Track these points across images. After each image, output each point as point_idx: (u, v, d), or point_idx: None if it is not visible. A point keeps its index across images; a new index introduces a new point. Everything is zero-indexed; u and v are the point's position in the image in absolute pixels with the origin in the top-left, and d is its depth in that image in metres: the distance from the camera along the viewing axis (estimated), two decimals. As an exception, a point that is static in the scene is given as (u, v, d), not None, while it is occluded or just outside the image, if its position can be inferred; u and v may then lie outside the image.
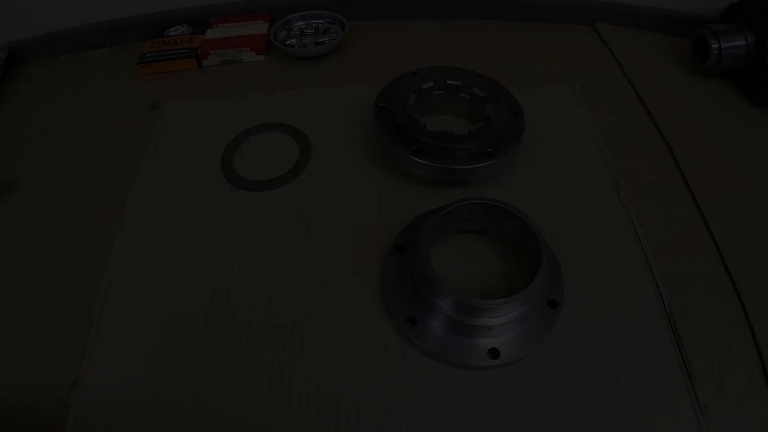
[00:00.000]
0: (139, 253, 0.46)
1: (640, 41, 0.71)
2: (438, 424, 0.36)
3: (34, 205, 0.52)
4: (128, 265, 0.46)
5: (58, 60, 0.73)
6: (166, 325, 0.42)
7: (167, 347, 0.40)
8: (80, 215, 0.51)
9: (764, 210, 0.49)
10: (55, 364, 0.40)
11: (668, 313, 0.41)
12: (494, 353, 0.38)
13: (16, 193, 0.54)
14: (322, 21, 0.72)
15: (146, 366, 0.40)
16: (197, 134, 0.57)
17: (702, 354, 0.40)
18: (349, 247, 0.46)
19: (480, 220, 0.45)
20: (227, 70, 0.68)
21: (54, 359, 0.40)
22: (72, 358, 0.40)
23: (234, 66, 0.68)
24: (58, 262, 0.47)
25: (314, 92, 0.62)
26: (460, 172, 0.47)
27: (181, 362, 0.40)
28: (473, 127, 0.49)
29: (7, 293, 0.45)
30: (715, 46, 0.60)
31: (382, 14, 0.76)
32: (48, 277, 0.46)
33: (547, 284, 0.41)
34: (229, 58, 0.68)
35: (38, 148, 0.59)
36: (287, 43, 0.71)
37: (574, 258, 0.45)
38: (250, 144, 0.56)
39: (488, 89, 0.53)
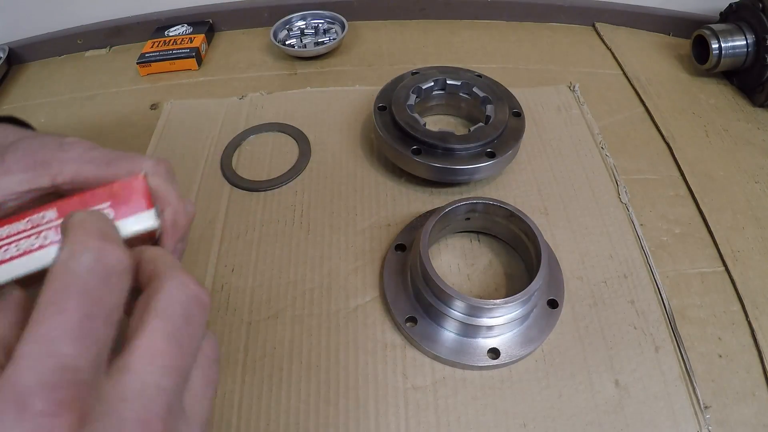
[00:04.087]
0: (139, 253, 0.46)
1: (640, 41, 0.71)
2: (438, 424, 0.36)
3: (34, 205, 0.52)
4: (128, 265, 0.46)
5: (58, 60, 0.73)
6: (166, 325, 0.41)
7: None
8: (80, 215, 0.51)
9: (764, 210, 0.49)
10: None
11: (668, 313, 0.42)
12: (494, 353, 0.38)
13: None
14: (322, 21, 0.73)
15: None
16: (197, 134, 0.57)
17: (702, 354, 0.40)
18: (349, 247, 0.46)
19: (480, 220, 0.45)
20: (227, 70, 0.68)
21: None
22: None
23: (234, 65, 0.68)
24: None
25: (314, 92, 0.62)
26: (460, 172, 0.47)
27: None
28: (473, 127, 0.49)
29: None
30: (715, 46, 0.60)
31: (382, 14, 0.76)
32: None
33: (547, 284, 0.41)
34: None
35: (38, 148, 0.59)
36: (287, 43, 0.71)
37: (574, 258, 0.45)
38: (250, 144, 0.56)
39: (488, 89, 0.53)
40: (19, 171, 0.27)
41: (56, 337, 0.15)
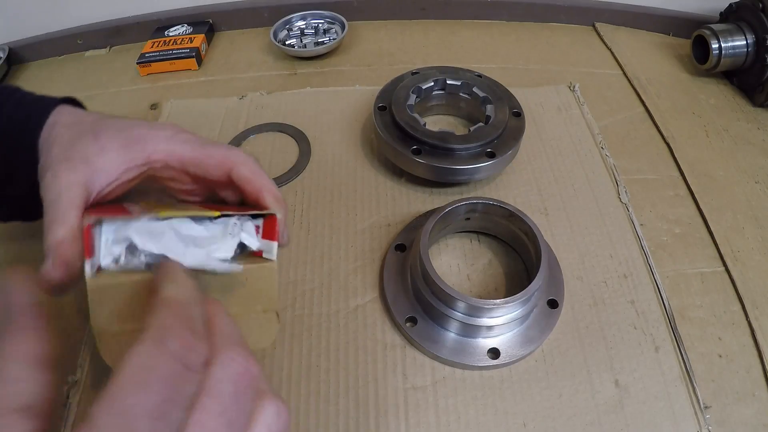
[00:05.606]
0: (139, 253, 0.46)
1: (640, 41, 0.71)
2: (438, 424, 0.36)
3: (34, 205, 0.52)
4: (128, 265, 0.45)
5: (58, 60, 0.73)
6: (166, 325, 0.41)
7: (167, 347, 0.40)
8: (80, 215, 0.50)
9: (764, 210, 0.49)
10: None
11: (668, 313, 0.41)
12: (494, 353, 0.38)
13: (16, 193, 0.53)
14: (322, 21, 0.73)
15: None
16: (197, 134, 0.57)
17: (702, 354, 0.40)
18: (349, 247, 0.46)
19: (480, 220, 0.45)
20: (227, 70, 0.68)
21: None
22: (72, 358, 0.40)
23: (234, 65, 0.68)
24: (58, 262, 0.47)
25: (314, 92, 0.62)
26: (460, 172, 0.47)
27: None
28: (473, 127, 0.49)
29: (7, 293, 0.45)
30: (715, 46, 0.60)
31: (382, 14, 0.76)
32: (48, 277, 0.46)
33: (547, 284, 0.41)
34: None
35: (38, 148, 0.59)
36: (287, 43, 0.71)
37: (574, 258, 0.45)
38: (250, 144, 0.56)
39: (488, 89, 0.53)
40: (114, 149, 0.28)
41: (136, 414, 0.16)
